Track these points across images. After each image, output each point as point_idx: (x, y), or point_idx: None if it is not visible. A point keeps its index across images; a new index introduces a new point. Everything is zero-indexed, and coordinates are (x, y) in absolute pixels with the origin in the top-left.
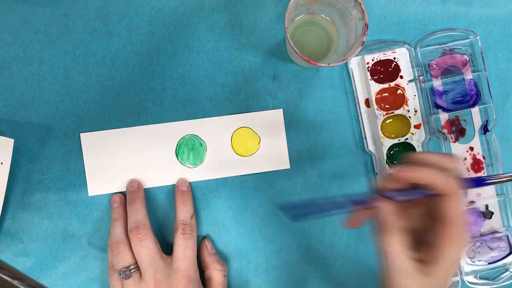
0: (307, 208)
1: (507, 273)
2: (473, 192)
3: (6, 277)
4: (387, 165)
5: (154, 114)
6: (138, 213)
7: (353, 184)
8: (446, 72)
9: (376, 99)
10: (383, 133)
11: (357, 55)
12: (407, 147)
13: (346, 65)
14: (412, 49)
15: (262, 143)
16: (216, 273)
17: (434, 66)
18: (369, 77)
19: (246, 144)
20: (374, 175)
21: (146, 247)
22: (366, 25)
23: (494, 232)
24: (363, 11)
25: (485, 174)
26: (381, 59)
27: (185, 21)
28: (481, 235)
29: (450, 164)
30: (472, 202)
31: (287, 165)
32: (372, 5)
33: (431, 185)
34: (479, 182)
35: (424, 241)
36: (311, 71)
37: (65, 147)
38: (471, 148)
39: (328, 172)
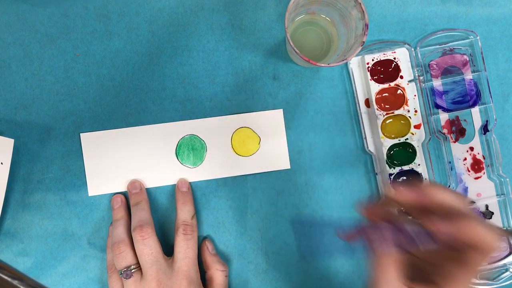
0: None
1: (507, 273)
2: (473, 192)
3: (6, 277)
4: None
5: (154, 114)
6: (143, 213)
7: (353, 184)
8: (446, 72)
9: (376, 99)
10: (383, 133)
11: (357, 55)
12: (407, 147)
13: (346, 65)
14: (412, 49)
15: (262, 143)
16: (217, 274)
17: (434, 66)
18: (369, 77)
19: (246, 144)
20: (374, 175)
21: (149, 246)
22: (366, 25)
23: None
24: (363, 11)
25: (485, 174)
26: (381, 59)
27: (185, 21)
28: None
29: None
30: (472, 202)
31: (287, 165)
32: (372, 5)
33: (449, 209)
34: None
35: (426, 273)
36: (311, 71)
37: (65, 147)
38: (471, 148)
39: (328, 172)
